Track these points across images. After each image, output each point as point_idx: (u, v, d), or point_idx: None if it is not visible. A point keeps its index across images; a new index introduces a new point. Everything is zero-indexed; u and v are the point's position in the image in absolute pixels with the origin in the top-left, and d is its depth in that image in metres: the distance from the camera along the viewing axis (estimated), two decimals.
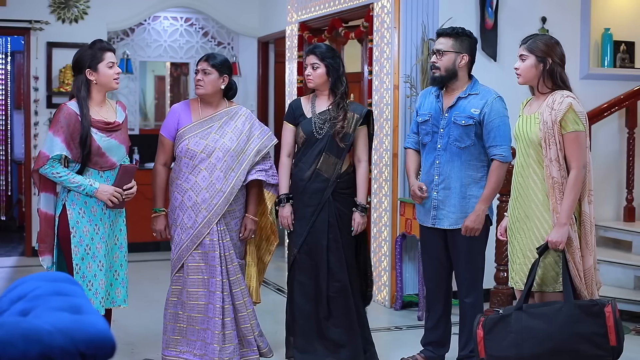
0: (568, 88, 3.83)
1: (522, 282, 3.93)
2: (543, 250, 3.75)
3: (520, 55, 3.88)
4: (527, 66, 3.85)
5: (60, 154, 3.99)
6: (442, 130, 4.40)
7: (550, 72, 3.81)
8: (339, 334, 4.50)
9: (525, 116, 3.90)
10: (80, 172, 4.04)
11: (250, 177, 4.47)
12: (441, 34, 4.42)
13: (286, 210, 4.57)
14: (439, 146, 4.42)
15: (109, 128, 4.10)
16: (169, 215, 4.52)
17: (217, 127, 4.43)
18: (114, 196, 4.08)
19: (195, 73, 4.44)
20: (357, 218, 4.50)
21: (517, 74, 3.91)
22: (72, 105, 4.05)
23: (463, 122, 4.33)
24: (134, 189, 4.20)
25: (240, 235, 4.54)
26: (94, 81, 4.08)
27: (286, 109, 4.76)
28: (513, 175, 3.98)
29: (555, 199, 3.75)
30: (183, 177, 4.41)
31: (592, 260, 3.81)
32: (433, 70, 4.42)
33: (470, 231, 4.33)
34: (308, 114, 4.56)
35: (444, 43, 4.37)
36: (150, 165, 8.53)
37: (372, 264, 6.25)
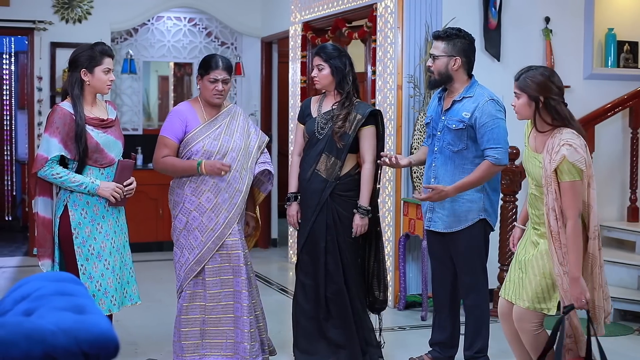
0: (566, 120, 3.70)
1: (517, 297, 3.87)
2: (569, 310, 3.69)
3: (515, 93, 3.79)
4: (521, 105, 3.75)
5: (58, 154, 3.99)
6: (439, 133, 4.40)
7: (546, 109, 3.70)
8: (338, 335, 4.49)
9: (531, 152, 3.82)
10: (80, 171, 4.04)
11: (259, 168, 4.50)
12: (435, 37, 4.41)
13: (292, 209, 4.58)
14: (435, 149, 4.42)
15: (103, 125, 4.12)
16: (179, 219, 4.42)
17: (225, 127, 4.43)
18: (115, 192, 4.08)
19: (213, 82, 4.35)
20: (357, 220, 4.44)
21: (515, 112, 3.83)
22: (66, 105, 4.06)
23: (454, 126, 4.31)
24: (134, 185, 4.20)
25: (245, 232, 4.56)
26: (87, 82, 4.08)
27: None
28: (528, 205, 3.90)
29: (554, 249, 3.68)
30: (198, 179, 4.36)
31: (593, 294, 3.72)
32: (429, 74, 4.43)
33: (426, 199, 4.29)
34: (314, 114, 4.56)
35: (437, 47, 4.36)
36: None
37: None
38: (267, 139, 4.64)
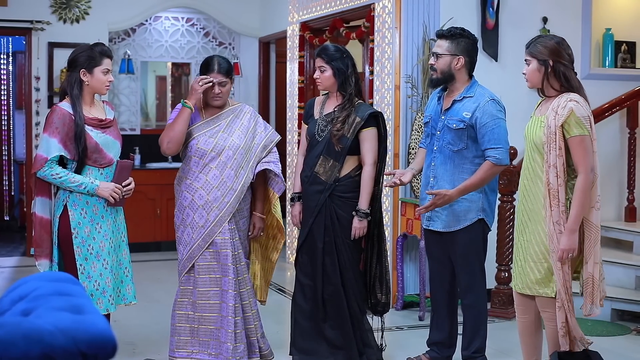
0: (574, 87, 3.80)
1: (521, 286, 3.92)
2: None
3: (525, 60, 3.89)
4: (531, 70, 3.85)
5: (58, 155, 3.99)
6: (438, 132, 4.40)
7: (554, 74, 3.79)
8: (335, 336, 4.49)
9: (535, 118, 3.89)
10: (79, 171, 4.05)
11: (259, 168, 4.47)
12: (440, 35, 4.41)
13: (295, 209, 4.59)
14: (435, 148, 4.41)
15: (102, 125, 4.13)
16: (176, 215, 4.50)
17: (225, 126, 4.44)
18: (114, 192, 4.09)
19: (211, 84, 4.35)
20: (355, 223, 4.42)
21: (525, 79, 3.92)
22: (65, 105, 4.06)
23: (454, 125, 4.31)
24: (132, 185, 4.21)
25: (250, 234, 4.56)
26: (86, 82, 4.09)
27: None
28: (521, 177, 3.97)
29: (550, 206, 3.72)
30: (193, 176, 4.40)
31: (596, 269, 3.76)
32: (431, 72, 4.42)
33: (431, 206, 4.27)
34: (316, 115, 4.55)
35: (440, 45, 4.36)
36: (152, 165, 8.61)
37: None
38: (277, 137, 4.60)
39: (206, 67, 4.39)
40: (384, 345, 4.64)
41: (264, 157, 4.52)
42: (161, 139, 4.39)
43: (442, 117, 4.39)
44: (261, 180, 4.57)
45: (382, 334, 4.64)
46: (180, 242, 4.47)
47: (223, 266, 4.37)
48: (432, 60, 4.39)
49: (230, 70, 4.44)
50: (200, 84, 4.28)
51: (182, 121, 4.32)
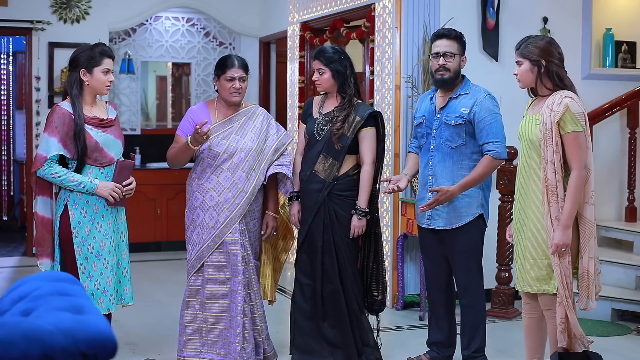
0: (567, 86, 3.82)
1: (522, 284, 3.94)
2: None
3: (517, 61, 3.90)
4: (523, 71, 3.87)
5: (57, 154, 4.00)
6: (434, 131, 4.43)
7: (547, 73, 3.81)
8: (334, 335, 4.50)
9: (529, 117, 3.91)
10: (79, 171, 4.05)
11: (271, 171, 4.50)
12: (446, 36, 4.44)
13: (294, 208, 4.60)
14: (432, 147, 4.44)
15: (103, 124, 4.13)
16: (187, 215, 4.52)
17: (238, 128, 4.46)
18: (114, 191, 4.09)
19: (230, 80, 4.39)
20: (354, 221, 4.43)
21: (517, 80, 3.93)
22: (65, 105, 4.07)
23: (453, 121, 4.35)
24: (133, 185, 4.21)
25: (263, 233, 4.57)
26: (86, 82, 4.09)
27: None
28: (517, 176, 3.98)
29: (548, 202, 3.74)
30: (205, 177, 4.43)
31: (591, 263, 3.78)
32: (442, 72, 4.39)
33: (433, 203, 4.28)
34: (315, 114, 4.56)
35: (450, 45, 4.40)
36: (153, 165, 8.61)
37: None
38: (288, 140, 4.63)
39: (224, 64, 4.42)
40: (380, 344, 4.64)
41: (276, 160, 4.54)
42: (168, 158, 4.56)
43: (438, 116, 4.42)
44: (274, 181, 4.59)
45: (378, 332, 4.64)
46: (189, 242, 4.49)
47: (233, 266, 4.39)
48: (442, 61, 4.40)
49: (247, 66, 4.49)
50: (200, 132, 4.15)
51: (186, 156, 4.45)
